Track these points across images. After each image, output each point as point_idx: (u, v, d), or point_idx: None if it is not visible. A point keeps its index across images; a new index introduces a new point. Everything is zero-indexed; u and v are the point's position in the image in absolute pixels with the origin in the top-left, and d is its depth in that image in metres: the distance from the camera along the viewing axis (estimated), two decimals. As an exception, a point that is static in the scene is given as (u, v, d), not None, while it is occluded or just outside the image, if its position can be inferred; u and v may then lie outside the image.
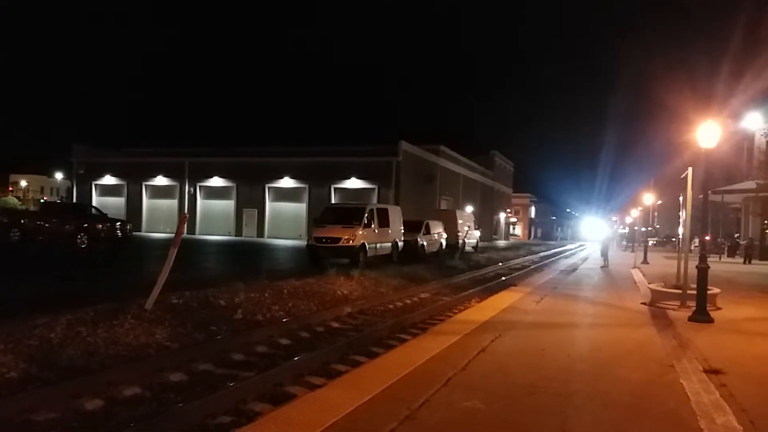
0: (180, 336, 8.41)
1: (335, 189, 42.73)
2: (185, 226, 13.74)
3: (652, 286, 12.40)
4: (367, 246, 20.61)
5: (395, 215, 23.83)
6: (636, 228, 52.04)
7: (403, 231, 24.24)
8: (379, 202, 35.47)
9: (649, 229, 48.05)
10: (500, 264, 26.59)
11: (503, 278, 19.64)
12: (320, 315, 10.74)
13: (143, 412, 5.52)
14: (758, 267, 24.84)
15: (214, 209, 46.47)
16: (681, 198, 16.14)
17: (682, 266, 11.36)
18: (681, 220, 15.96)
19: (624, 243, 58.55)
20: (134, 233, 29.62)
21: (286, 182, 44.32)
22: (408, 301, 13.39)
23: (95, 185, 49.88)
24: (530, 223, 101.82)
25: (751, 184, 28.07)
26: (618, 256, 32.85)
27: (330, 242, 19.99)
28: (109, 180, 49.45)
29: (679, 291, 10.99)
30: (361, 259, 19.91)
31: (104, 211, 28.33)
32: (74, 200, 48.74)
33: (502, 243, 58.20)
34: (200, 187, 47.00)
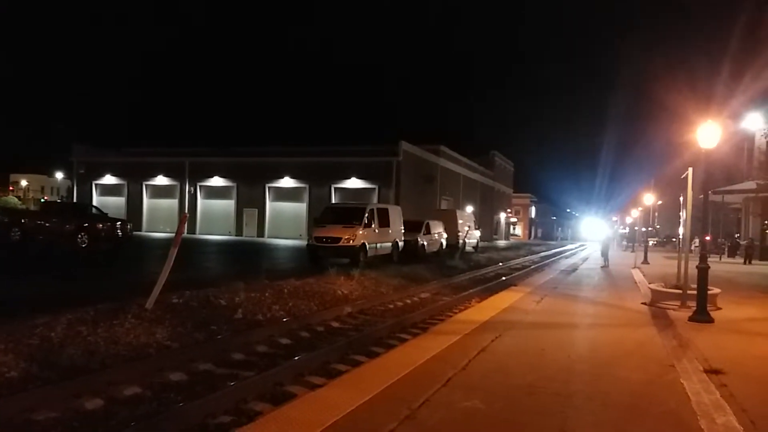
0: (180, 335, 8.41)
1: (335, 189, 42.74)
2: (185, 225, 13.74)
3: (652, 286, 12.40)
4: (367, 246, 20.61)
5: (395, 215, 23.84)
6: (636, 228, 52.06)
7: (403, 231, 24.24)
8: (379, 202, 35.44)
9: (650, 229, 48.07)
10: (500, 264, 26.59)
11: (503, 278, 19.65)
12: (320, 315, 10.74)
13: (143, 411, 5.52)
14: (758, 267, 24.83)
15: (215, 209, 46.49)
16: (681, 198, 16.12)
17: (683, 266, 11.36)
18: (681, 220, 15.95)
19: (624, 243, 58.52)
20: (134, 233, 29.64)
21: (287, 182, 44.33)
22: (408, 301, 13.39)
23: (95, 185, 49.90)
24: (530, 223, 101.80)
25: (751, 185, 28.08)
26: (618, 256, 32.85)
27: (330, 242, 19.99)
28: (109, 180, 49.47)
29: (680, 291, 10.99)
30: (362, 258, 19.91)
31: (104, 211, 28.32)
32: (74, 200, 48.75)
33: (502, 243, 58.20)
34: (200, 186, 47.02)
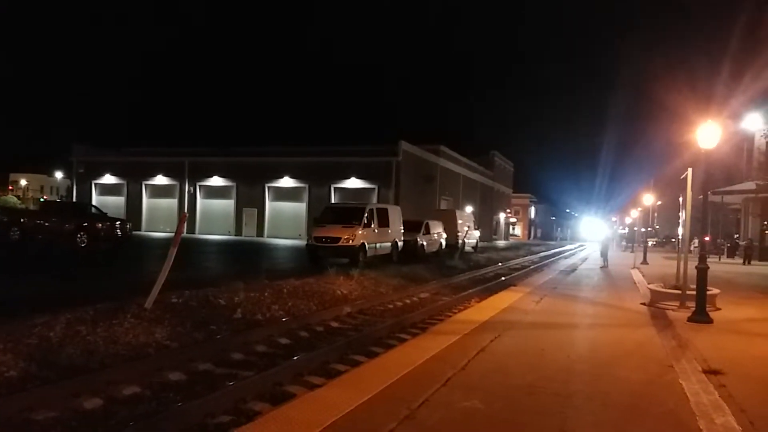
0: (179, 335, 8.41)
1: (335, 189, 42.73)
2: (185, 225, 13.74)
3: (651, 286, 12.40)
4: (366, 246, 20.61)
5: (395, 215, 23.83)
6: (636, 228, 52.07)
7: (402, 231, 24.24)
8: (379, 202, 35.46)
9: (649, 229, 48.06)
10: (500, 264, 26.59)
11: (503, 278, 19.65)
12: (320, 314, 10.74)
13: (143, 411, 5.52)
14: (758, 268, 24.84)
15: (214, 209, 46.48)
16: (681, 198, 16.15)
17: (682, 267, 11.36)
18: (681, 221, 15.98)
19: (623, 243, 58.56)
20: (134, 232, 29.63)
21: (286, 182, 44.32)
22: (407, 301, 13.39)
23: (95, 184, 49.87)
24: (530, 224, 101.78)
25: (750, 185, 28.08)
26: (617, 257, 32.86)
27: (330, 242, 19.99)
28: (109, 179, 49.44)
29: (679, 291, 11.00)
30: (361, 258, 19.91)
31: (104, 211, 28.31)
32: (74, 199, 48.75)
33: (501, 243, 58.21)
34: (200, 186, 47.00)
